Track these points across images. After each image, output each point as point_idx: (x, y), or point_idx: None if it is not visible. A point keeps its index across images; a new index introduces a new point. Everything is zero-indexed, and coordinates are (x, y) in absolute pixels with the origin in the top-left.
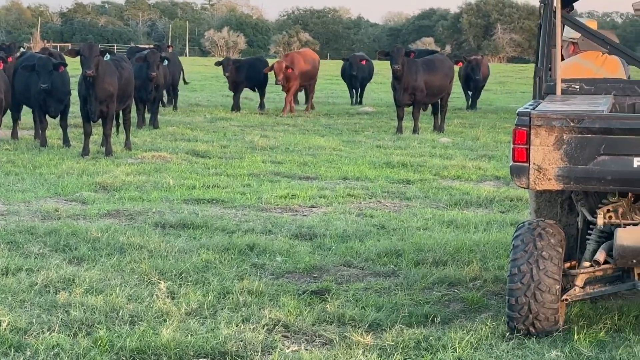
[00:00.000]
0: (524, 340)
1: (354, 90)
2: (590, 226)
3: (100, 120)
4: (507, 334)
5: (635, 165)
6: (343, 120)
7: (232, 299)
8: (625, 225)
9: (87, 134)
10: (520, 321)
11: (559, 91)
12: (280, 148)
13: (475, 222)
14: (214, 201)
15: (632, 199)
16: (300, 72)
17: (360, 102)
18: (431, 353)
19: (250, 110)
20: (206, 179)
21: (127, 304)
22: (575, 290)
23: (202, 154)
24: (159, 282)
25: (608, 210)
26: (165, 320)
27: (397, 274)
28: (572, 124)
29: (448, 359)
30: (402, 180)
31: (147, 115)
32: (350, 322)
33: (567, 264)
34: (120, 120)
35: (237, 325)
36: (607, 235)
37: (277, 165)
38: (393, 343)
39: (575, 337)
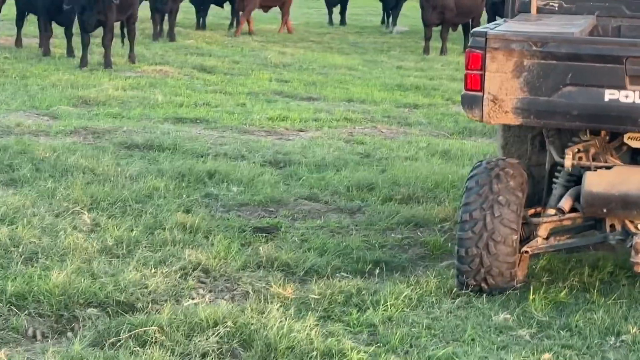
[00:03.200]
0: (472, 298)
1: (389, 10)
2: (558, 168)
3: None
4: (455, 290)
5: (606, 98)
6: (372, 39)
7: (160, 235)
8: (596, 168)
9: (85, 45)
10: (471, 275)
11: (534, 9)
12: (293, 66)
13: (472, 153)
14: (198, 120)
15: (607, 137)
16: None
17: (395, 24)
18: (359, 311)
19: (278, 25)
20: (200, 96)
21: (36, 238)
22: (537, 241)
23: (209, 69)
24: (83, 213)
25: (578, 150)
26: (63, 261)
27: (363, 210)
28: (534, 48)
29: (375, 318)
30: (409, 104)
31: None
32: (283, 267)
33: (532, 211)
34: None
35: (149, 268)
36: (577, 179)
37: (283, 84)
38: (319, 297)
39: (531, 297)
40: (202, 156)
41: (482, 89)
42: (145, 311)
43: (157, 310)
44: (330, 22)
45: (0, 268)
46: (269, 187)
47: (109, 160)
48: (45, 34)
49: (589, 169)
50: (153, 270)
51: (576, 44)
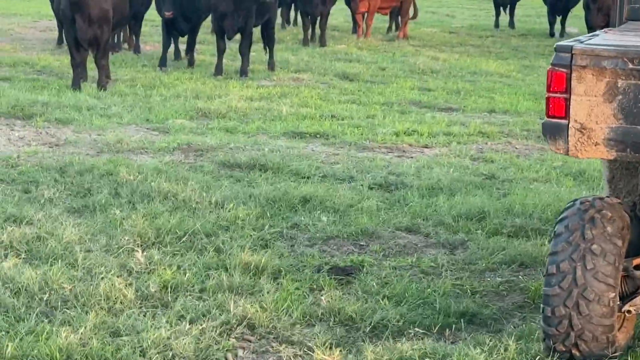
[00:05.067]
0: None
1: (556, 16)
2: None
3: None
4: (541, 357)
5: None
6: (536, 43)
7: (216, 278)
8: None
9: (221, 52)
10: (559, 340)
11: None
12: (442, 72)
13: None
14: (318, 135)
15: None
16: None
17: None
18: None
19: (442, 27)
20: (330, 107)
21: (69, 283)
22: None
23: (350, 77)
24: (136, 250)
25: None
26: (88, 312)
27: (466, 245)
28: (630, 66)
29: None
30: None
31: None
32: (346, 322)
33: (638, 261)
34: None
35: (185, 323)
36: None
37: (424, 93)
38: None
39: None
40: (305, 177)
41: (567, 116)
42: None
43: None
44: (497, 24)
45: (14, 321)
46: (366, 215)
47: (196, 184)
48: (175, 42)
49: None
50: (188, 326)
51: None
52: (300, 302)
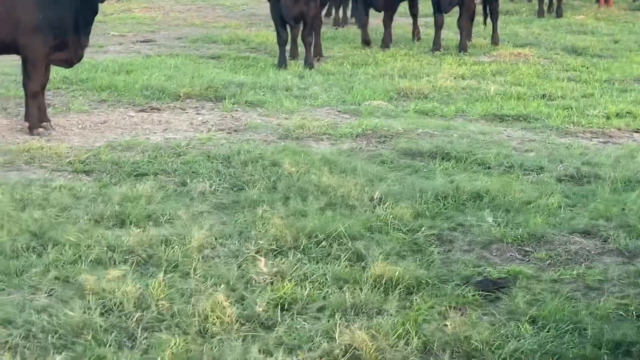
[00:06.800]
0: None
1: None
2: None
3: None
4: None
5: None
6: None
7: (336, 294)
8: None
9: (438, 27)
10: None
11: None
12: None
13: None
14: (520, 118)
15: None
16: None
17: None
18: None
19: None
20: (545, 85)
21: (170, 299)
22: None
23: (579, 50)
24: (259, 260)
25: None
26: (177, 335)
27: None
28: None
29: None
30: None
31: None
32: (471, 353)
33: None
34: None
35: (279, 354)
36: None
37: None
38: None
39: None
40: (489, 168)
41: None
42: None
43: None
44: None
45: (93, 345)
46: (541, 215)
47: (363, 176)
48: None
49: None
50: (281, 358)
51: None
52: (423, 326)
